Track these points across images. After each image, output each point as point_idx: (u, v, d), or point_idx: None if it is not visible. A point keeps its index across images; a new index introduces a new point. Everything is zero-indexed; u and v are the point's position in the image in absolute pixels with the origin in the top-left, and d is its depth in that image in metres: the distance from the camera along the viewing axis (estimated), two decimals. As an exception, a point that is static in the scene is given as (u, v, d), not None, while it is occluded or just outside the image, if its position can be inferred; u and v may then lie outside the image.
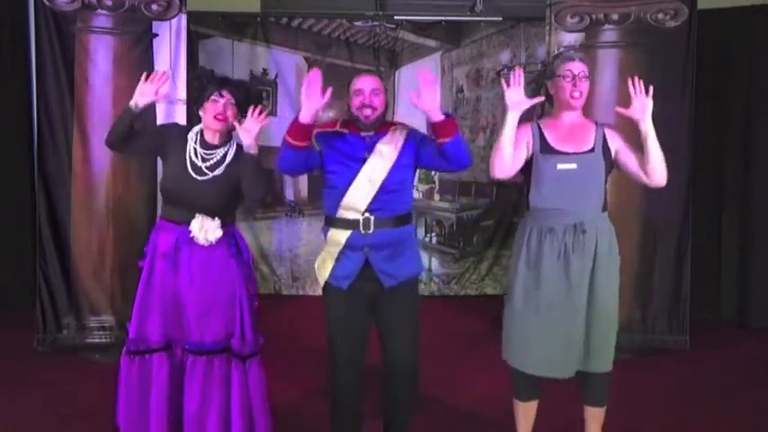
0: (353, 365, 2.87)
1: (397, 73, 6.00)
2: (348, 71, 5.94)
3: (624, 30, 4.47)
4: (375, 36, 5.95)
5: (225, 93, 2.81)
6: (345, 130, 2.85)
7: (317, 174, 2.97)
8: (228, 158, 2.86)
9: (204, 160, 2.82)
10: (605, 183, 2.83)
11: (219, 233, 2.82)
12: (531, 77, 6.30)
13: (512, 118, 2.74)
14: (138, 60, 4.39)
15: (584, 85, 2.81)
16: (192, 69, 4.92)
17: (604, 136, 2.83)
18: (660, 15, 4.42)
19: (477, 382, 4.01)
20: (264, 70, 5.93)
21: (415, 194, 6.12)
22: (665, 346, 4.57)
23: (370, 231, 2.76)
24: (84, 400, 3.70)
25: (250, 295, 2.93)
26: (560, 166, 2.77)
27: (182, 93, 4.54)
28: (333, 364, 2.89)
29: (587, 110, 2.93)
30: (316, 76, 2.60)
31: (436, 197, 6.14)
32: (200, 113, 2.87)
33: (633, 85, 2.74)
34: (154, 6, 4.41)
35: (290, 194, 6.12)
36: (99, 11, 4.33)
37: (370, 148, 2.80)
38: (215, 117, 2.80)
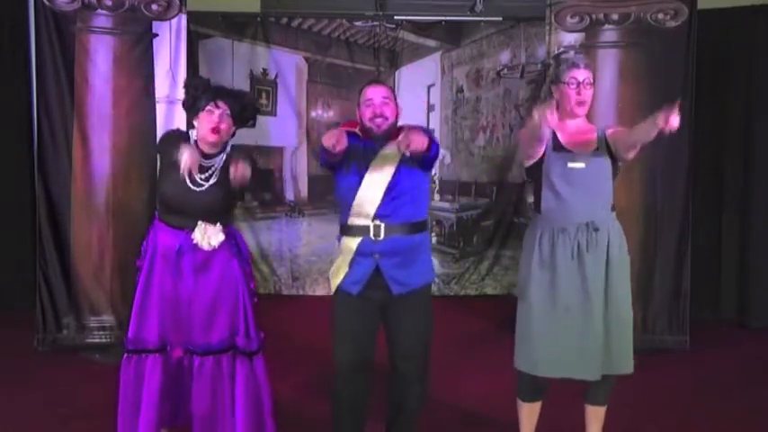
0: (357, 368, 2.85)
1: (397, 73, 6.00)
2: (348, 71, 5.96)
3: (624, 30, 4.47)
4: (375, 36, 5.95)
5: (221, 104, 2.80)
6: (362, 135, 2.85)
7: (321, 174, 2.97)
8: (221, 165, 2.85)
9: (201, 170, 2.81)
10: (613, 182, 2.86)
11: (222, 237, 2.83)
12: (530, 77, 6.33)
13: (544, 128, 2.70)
14: (138, 60, 4.40)
15: (588, 93, 2.85)
16: (193, 69, 4.93)
17: (605, 137, 2.86)
18: (660, 15, 4.42)
19: (477, 382, 4.01)
20: (264, 70, 5.93)
21: (415, 194, 6.11)
22: (665, 346, 4.57)
23: (381, 238, 2.75)
24: (84, 400, 3.70)
25: (251, 291, 2.95)
26: (570, 165, 2.80)
27: (181, 93, 4.53)
28: (336, 368, 2.88)
29: (588, 110, 2.95)
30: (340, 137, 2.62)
31: (436, 197, 6.14)
32: (194, 122, 2.85)
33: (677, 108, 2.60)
34: (154, 6, 4.41)
35: (290, 194, 6.12)
36: (99, 11, 4.33)
37: (375, 155, 2.80)
38: (211, 131, 2.78)
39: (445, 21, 5.98)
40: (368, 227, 2.75)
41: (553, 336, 2.79)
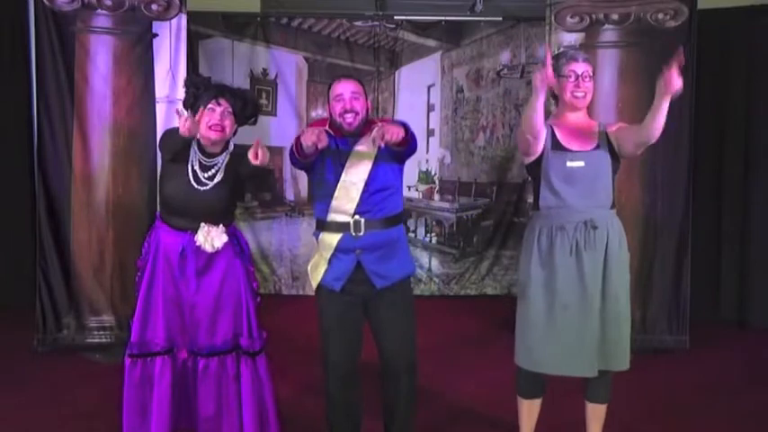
0: (347, 366, 2.87)
1: (396, 73, 6.00)
2: (348, 71, 5.94)
3: (624, 30, 4.47)
4: (375, 36, 5.95)
5: (222, 101, 2.79)
6: (332, 132, 2.84)
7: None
8: (225, 163, 2.85)
9: (205, 169, 2.82)
10: (613, 180, 2.85)
11: (225, 238, 2.83)
12: (531, 77, 6.32)
13: (540, 98, 2.65)
14: (138, 60, 4.40)
15: (588, 85, 2.84)
16: (192, 69, 4.92)
17: (607, 134, 2.86)
18: (660, 15, 4.42)
19: (477, 382, 4.01)
20: (264, 70, 5.93)
21: (415, 194, 6.12)
22: (664, 346, 4.57)
23: (361, 233, 2.76)
24: (84, 400, 3.70)
25: (253, 291, 2.95)
26: (570, 164, 2.80)
27: (181, 92, 4.54)
28: (326, 365, 2.89)
29: (588, 108, 2.95)
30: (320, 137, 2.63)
31: (436, 197, 6.14)
32: (197, 119, 2.84)
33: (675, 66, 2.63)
34: (154, 6, 4.41)
35: (290, 194, 6.12)
36: (99, 11, 4.33)
37: (350, 151, 2.80)
38: (211, 128, 2.77)
39: (445, 21, 5.98)
40: (348, 223, 2.77)
41: (551, 333, 2.80)
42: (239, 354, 2.90)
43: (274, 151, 6.03)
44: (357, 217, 2.76)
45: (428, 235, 6.18)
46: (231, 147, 2.90)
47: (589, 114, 2.95)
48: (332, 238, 2.80)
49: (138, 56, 4.41)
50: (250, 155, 2.65)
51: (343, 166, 2.78)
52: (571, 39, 4.53)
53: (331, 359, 2.87)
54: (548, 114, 2.91)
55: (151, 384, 2.85)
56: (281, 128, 5.99)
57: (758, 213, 5.14)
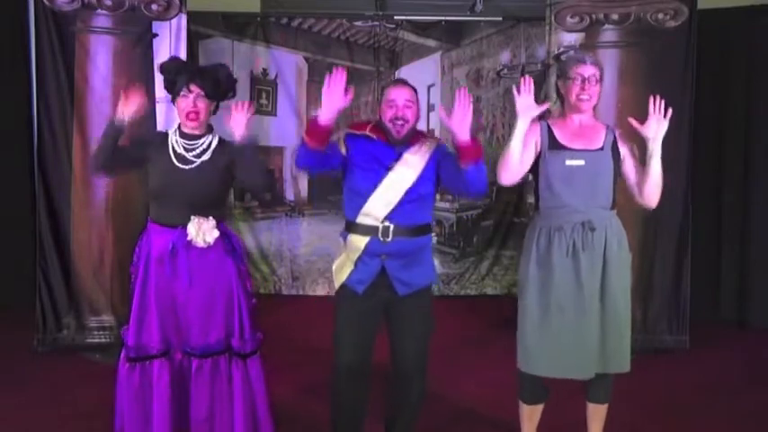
0: (357, 366, 2.85)
1: (397, 73, 6.00)
2: (348, 71, 5.94)
3: (624, 30, 4.47)
4: (375, 36, 5.95)
5: (193, 87, 2.79)
6: (374, 136, 2.81)
7: (323, 175, 2.95)
8: (213, 146, 2.84)
9: (188, 150, 2.81)
10: (614, 182, 2.84)
11: (217, 233, 2.80)
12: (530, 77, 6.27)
13: (522, 125, 2.75)
14: (138, 60, 4.40)
15: (594, 89, 2.83)
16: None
17: (615, 139, 2.85)
18: (660, 15, 4.42)
19: (477, 382, 4.01)
20: (264, 70, 5.93)
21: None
22: (664, 346, 4.57)
23: (389, 239, 2.75)
24: (84, 400, 3.70)
25: (247, 292, 2.91)
26: (569, 162, 2.78)
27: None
28: (336, 364, 2.88)
29: (594, 111, 2.94)
30: (340, 75, 2.55)
31: (436, 197, 6.13)
32: (175, 106, 2.86)
33: (654, 104, 2.74)
34: (154, 6, 4.41)
35: (290, 194, 6.12)
36: (99, 11, 4.33)
37: (397, 157, 2.78)
38: (187, 117, 2.79)
39: (445, 21, 5.98)
40: (377, 227, 2.75)
41: (546, 335, 2.79)
42: (231, 355, 2.87)
43: (274, 151, 6.04)
44: (387, 223, 2.74)
45: (428, 235, 6.18)
46: (215, 130, 2.88)
47: (594, 116, 2.93)
48: (360, 241, 2.78)
49: (138, 56, 4.40)
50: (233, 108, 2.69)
51: (385, 169, 2.75)
52: (571, 39, 4.53)
53: (342, 360, 2.85)
54: (546, 114, 2.92)
55: (150, 388, 2.83)
56: (281, 128, 6.00)
57: (758, 213, 5.14)
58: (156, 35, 4.45)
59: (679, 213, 4.57)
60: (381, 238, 2.74)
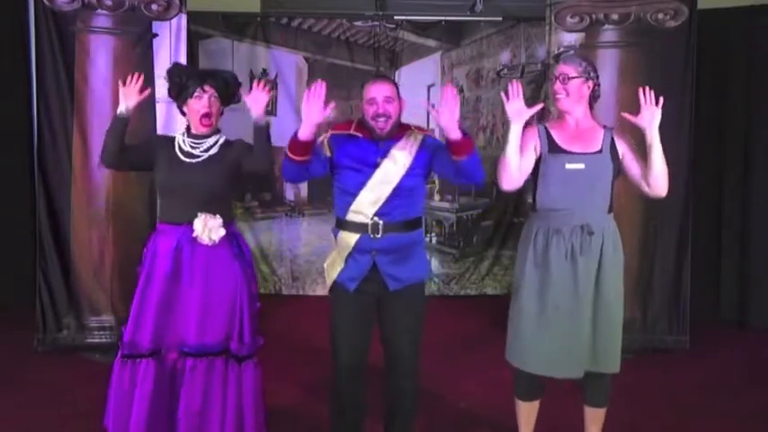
0: (356, 366, 2.86)
1: (397, 73, 6.00)
2: (348, 71, 5.95)
3: (624, 30, 4.47)
4: (375, 36, 5.95)
5: (207, 87, 2.80)
6: (359, 134, 2.82)
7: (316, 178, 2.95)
8: (220, 143, 2.85)
9: (194, 147, 2.82)
10: (612, 185, 2.84)
11: (223, 232, 2.80)
12: (530, 77, 6.33)
13: (515, 129, 2.75)
14: (138, 60, 4.39)
15: (571, 86, 2.82)
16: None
17: (612, 139, 2.85)
18: (660, 15, 4.42)
19: (477, 383, 4.01)
20: (264, 70, 5.93)
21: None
22: (665, 346, 4.57)
23: (379, 235, 2.75)
24: (84, 400, 3.70)
25: (251, 297, 2.91)
26: (569, 166, 2.78)
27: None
28: (335, 362, 2.89)
29: (592, 112, 2.94)
30: (320, 89, 2.58)
31: (436, 197, 6.14)
32: (184, 110, 2.85)
33: (644, 94, 2.75)
34: (154, 6, 4.41)
35: (290, 194, 6.12)
36: (99, 11, 4.33)
37: (383, 154, 2.78)
38: (201, 121, 2.80)
39: (445, 21, 5.98)
40: (367, 224, 2.75)
41: (541, 334, 2.79)
42: (228, 358, 2.85)
43: (275, 151, 6.02)
44: (376, 219, 2.75)
45: (428, 235, 6.18)
46: (221, 131, 2.89)
47: (593, 117, 2.92)
48: (350, 238, 2.78)
49: (138, 56, 4.40)
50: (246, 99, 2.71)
51: (371, 167, 2.76)
52: (571, 39, 4.53)
53: (340, 357, 2.86)
54: (540, 118, 2.92)
55: (135, 387, 2.83)
56: (281, 128, 5.97)
57: (758, 213, 5.14)
58: (156, 35, 4.45)
59: (679, 213, 4.57)
60: (371, 235, 2.75)
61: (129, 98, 2.82)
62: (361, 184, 2.75)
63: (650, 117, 2.72)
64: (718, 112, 5.17)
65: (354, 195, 2.76)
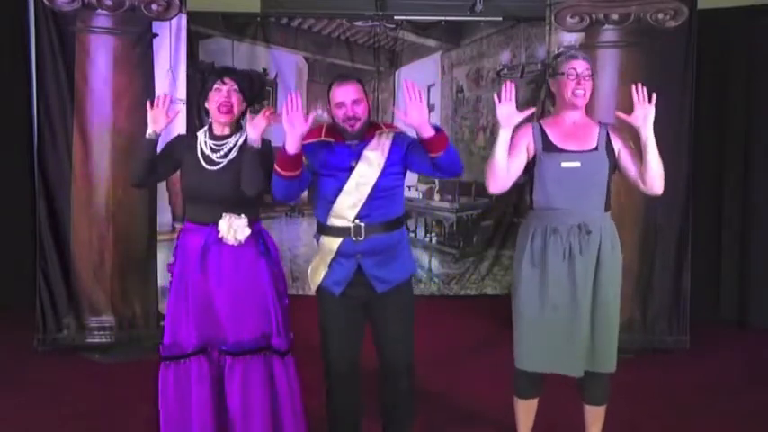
0: (348, 369, 2.87)
1: (397, 73, 6.00)
2: (348, 71, 5.94)
3: (624, 30, 4.47)
4: (375, 36, 5.95)
5: (227, 80, 2.79)
6: (331, 139, 2.81)
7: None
8: (239, 144, 2.83)
9: (215, 151, 2.81)
10: (609, 182, 2.83)
11: (248, 231, 2.78)
12: (530, 77, 6.33)
13: (504, 135, 2.74)
14: (138, 60, 4.40)
15: (588, 84, 2.80)
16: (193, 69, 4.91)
17: (608, 135, 2.84)
18: (660, 15, 4.42)
19: (477, 382, 4.01)
20: (264, 70, 5.93)
21: (415, 194, 6.12)
22: (665, 346, 4.57)
23: (362, 238, 2.74)
24: (84, 400, 3.70)
25: (279, 293, 2.90)
26: (564, 165, 2.77)
27: (182, 93, 4.55)
28: (327, 367, 2.90)
29: (588, 109, 2.93)
30: (296, 100, 2.57)
31: (436, 197, 6.14)
32: (207, 106, 2.84)
33: (636, 91, 2.74)
34: (154, 6, 4.41)
35: (290, 194, 6.11)
36: (99, 11, 4.33)
37: (356, 157, 2.76)
38: (218, 109, 2.78)
39: (445, 21, 5.98)
40: (348, 228, 2.74)
41: (540, 332, 2.79)
42: (267, 355, 2.83)
43: (275, 151, 6.03)
44: (357, 221, 2.74)
45: (428, 235, 6.19)
46: (245, 130, 2.85)
47: (588, 114, 2.92)
48: (332, 243, 2.78)
49: (138, 56, 4.41)
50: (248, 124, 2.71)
51: (347, 171, 2.74)
52: (571, 39, 4.53)
53: (331, 359, 2.87)
54: (540, 115, 2.91)
55: (189, 387, 2.80)
56: (281, 128, 5.94)
57: (758, 213, 5.14)
58: (156, 35, 4.45)
59: (679, 213, 4.57)
60: (354, 238, 2.74)
61: (157, 122, 2.78)
62: (338, 190, 2.74)
63: (643, 115, 2.72)
64: (718, 112, 5.17)
65: (333, 202, 2.75)
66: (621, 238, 2.90)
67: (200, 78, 2.86)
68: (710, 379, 4.14)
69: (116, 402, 3.66)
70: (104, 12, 4.34)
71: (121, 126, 4.39)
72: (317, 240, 2.87)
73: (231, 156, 2.80)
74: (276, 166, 2.65)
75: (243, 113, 2.88)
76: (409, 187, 5.98)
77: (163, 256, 4.51)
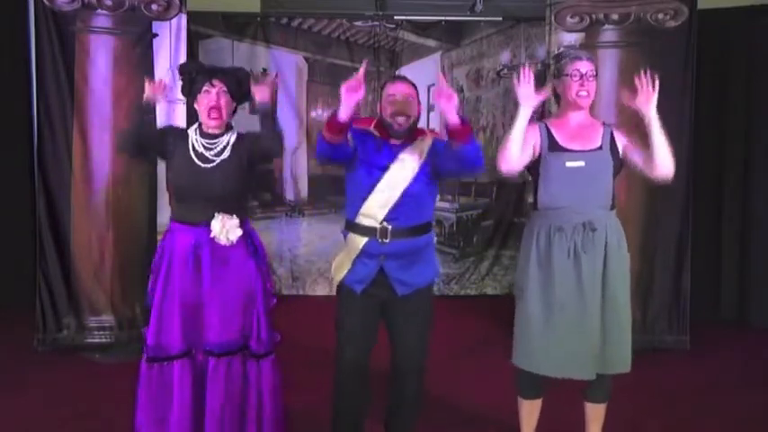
0: (358, 366, 2.86)
1: (397, 73, 6.00)
2: (348, 71, 5.94)
3: (624, 30, 4.47)
4: (375, 36, 5.96)
5: (216, 82, 2.79)
6: (377, 133, 2.82)
7: (321, 174, 2.95)
8: (232, 143, 2.83)
9: (208, 149, 2.80)
10: (613, 181, 2.83)
11: (240, 232, 2.78)
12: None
13: (524, 112, 2.74)
14: (138, 60, 4.40)
15: (592, 85, 2.82)
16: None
17: (612, 135, 2.84)
18: (660, 15, 4.43)
19: (477, 382, 4.01)
20: (264, 70, 5.93)
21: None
22: (665, 346, 4.57)
23: (387, 240, 2.74)
24: (84, 400, 3.70)
25: (267, 294, 2.90)
26: (569, 164, 2.77)
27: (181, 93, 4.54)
28: (338, 360, 2.88)
29: (589, 109, 2.93)
30: (361, 71, 2.55)
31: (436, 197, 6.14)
32: (195, 107, 2.84)
33: (640, 80, 2.74)
34: (154, 6, 4.41)
35: (290, 194, 6.12)
36: (99, 11, 4.33)
37: (394, 157, 2.77)
38: (209, 115, 2.78)
39: (445, 21, 5.99)
40: (375, 228, 2.74)
41: (549, 334, 2.78)
42: (245, 356, 2.85)
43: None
44: (385, 224, 2.74)
45: (428, 235, 6.19)
46: (235, 130, 2.88)
47: (591, 114, 2.93)
48: (359, 241, 2.78)
49: (138, 56, 4.41)
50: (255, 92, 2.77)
51: (381, 170, 2.75)
52: (571, 39, 4.53)
53: (344, 355, 2.85)
54: (540, 116, 2.91)
55: (170, 390, 2.80)
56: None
57: (758, 213, 5.14)
58: (156, 35, 4.45)
59: (679, 213, 4.57)
60: (380, 240, 2.74)
61: (154, 95, 2.88)
62: (371, 187, 2.74)
63: (646, 98, 2.71)
64: (718, 112, 5.17)
65: (363, 197, 2.75)
66: (622, 238, 2.90)
67: (188, 79, 2.85)
68: (710, 379, 4.14)
69: (116, 402, 3.66)
70: (104, 12, 4.34)
71: (121, 126, 4.37)
72: (345, 236, 2.86)
73: (225, 155, 2.80)
74: (324, 130, 2.64)
75: (233, 113, 2.89)
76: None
77: (163, 256, 4.51)
